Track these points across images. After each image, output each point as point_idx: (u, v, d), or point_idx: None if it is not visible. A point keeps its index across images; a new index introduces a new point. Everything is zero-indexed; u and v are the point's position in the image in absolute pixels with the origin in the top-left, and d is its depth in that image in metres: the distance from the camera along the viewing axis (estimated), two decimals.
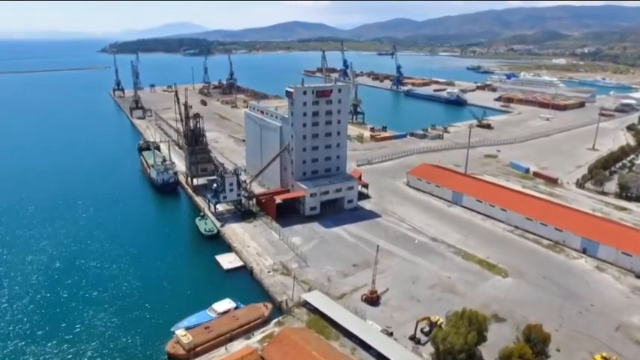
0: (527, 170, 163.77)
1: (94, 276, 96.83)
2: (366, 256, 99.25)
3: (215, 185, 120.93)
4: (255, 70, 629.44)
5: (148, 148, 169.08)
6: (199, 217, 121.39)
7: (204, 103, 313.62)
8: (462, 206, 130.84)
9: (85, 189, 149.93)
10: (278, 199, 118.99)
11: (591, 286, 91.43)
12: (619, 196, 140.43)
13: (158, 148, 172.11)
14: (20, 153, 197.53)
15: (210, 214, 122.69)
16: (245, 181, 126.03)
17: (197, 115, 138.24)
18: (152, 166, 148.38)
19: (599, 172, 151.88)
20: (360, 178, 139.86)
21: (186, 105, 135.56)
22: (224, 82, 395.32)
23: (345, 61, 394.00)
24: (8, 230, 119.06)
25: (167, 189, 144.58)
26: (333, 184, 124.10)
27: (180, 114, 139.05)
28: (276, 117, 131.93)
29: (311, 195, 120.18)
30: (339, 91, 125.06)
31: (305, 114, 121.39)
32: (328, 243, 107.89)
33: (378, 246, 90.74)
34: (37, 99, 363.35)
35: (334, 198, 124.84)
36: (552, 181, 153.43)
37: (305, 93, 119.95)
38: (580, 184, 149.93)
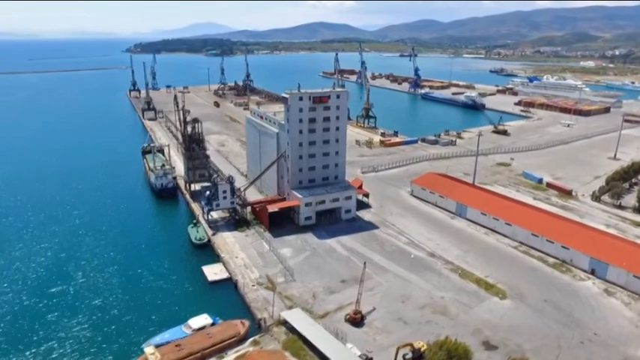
0: (540, 180, 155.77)
1: (78, 285, 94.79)
2: (356, 272, 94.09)
3: (208, 193, 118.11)
4: (274, 71, 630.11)
5: (154, 151, 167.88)
6: (192, 225, 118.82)
7: (217, 104, 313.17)
8: (466, 219, 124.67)
9: (86, 192, 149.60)
10: (271, 208, 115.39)
11: (597, 313, 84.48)
12: (637, 210, 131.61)
13: (161, 151, 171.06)
14: (29, 153, 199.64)
15: (203, 222, 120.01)
16: (239, 189, 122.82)
17: (195, 120, 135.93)
18: (151, 170, 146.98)
19: (617, 184, 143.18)
20: (360, 186, 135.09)
21: (183, 109, 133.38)
22: (240, 84, 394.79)
23: (362, 63, 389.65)
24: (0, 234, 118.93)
25: (165, 194, 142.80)
26: (329, 193, 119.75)
27: (179, 118, 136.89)
28: (274, 123, 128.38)
29: (306, 204, 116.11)
30: (338, 97, 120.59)
31: (301, 120, 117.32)
32: (319, 256, 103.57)
33: (364, 263, 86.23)
34: (55, 99, 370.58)
35: (331, 208, 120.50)
36: (566, 193, 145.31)
37: (301, 99, 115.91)
38: (596, 197, 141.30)
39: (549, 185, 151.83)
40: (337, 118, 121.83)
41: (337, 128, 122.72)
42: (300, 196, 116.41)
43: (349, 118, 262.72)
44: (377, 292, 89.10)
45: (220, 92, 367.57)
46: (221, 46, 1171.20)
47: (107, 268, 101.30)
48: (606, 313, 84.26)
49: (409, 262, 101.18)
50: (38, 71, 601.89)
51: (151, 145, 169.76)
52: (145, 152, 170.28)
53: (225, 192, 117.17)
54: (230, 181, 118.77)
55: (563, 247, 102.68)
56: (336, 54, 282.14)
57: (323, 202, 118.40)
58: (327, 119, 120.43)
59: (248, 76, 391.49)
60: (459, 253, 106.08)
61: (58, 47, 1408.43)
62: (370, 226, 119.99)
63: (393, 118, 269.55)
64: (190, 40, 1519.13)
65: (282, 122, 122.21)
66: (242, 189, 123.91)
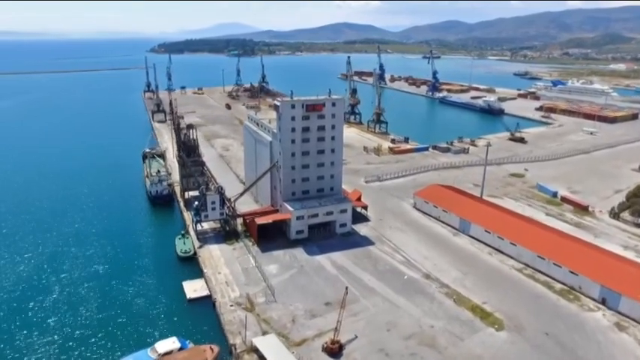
0: (554, 194, 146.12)
1: (53, 301, 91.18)
2: (342, 293, 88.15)
3: (197, 203, 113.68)
4: (292, 73, 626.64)
5: (151, 156, 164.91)
6: (180, 236, 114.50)
7: (228, 107, 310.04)
8: (470, 236, 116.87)
9: (82, 198, 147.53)
10: (259, 221, 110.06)
11: (604, 351, 76.05)
12: None
13: (162, 156, 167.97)
14: (35, 156, 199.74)
15: (192, 233, 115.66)
16: (230, 199, 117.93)
17: (190, 126, 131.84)
18: (147, 176, 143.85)
19: (638, 200, 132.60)
20: (359, 198, 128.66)
21: (177, 114, 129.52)
22: (255, 85, 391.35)
23: (380, 65, 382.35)
24: None
25: (160, 201, 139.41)
26: (323, 206, 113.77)
27: (173, 124, 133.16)
28: (268, 131, 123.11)
29: (297, 217, 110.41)
30: (333, 104, 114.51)
31: (294, 129, 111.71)
32: (306, 274, 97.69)
33: (346, 288, 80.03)
34: (71, 99, 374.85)
35: (325, 221, 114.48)
36: (582, 209, 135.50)
37: (293, 107, 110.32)
38: (614, 214, 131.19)
39: (564, 199, 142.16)
40: (333, 127, 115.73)
41: (333, 138, 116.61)
42: (291, 208, 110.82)
43: (360, 123, 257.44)
44: (361, 318, 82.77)
45: (234, 94, 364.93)
46: (243, 46, 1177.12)
47: (87, 283, 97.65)
48: (615, 352, 75.79)
49: (401, 284, 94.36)
50: (59, 71, 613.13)
51: (146, 150, 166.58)
52: (145, 156, 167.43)
53: (214, 203, 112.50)
54: (220, 191, 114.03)
55: (571, 272, 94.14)
56: (349, 57, 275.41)
57: (316, 215, 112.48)
58: (321, 128, 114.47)
59: (263, 77, 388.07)
60: (458, 275, 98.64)
61: (86, 47, 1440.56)
62: (365, 241, 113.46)
63: (407, 123, 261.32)
64: (213, 40, 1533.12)
65: (276, 131, 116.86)
66: (233, 199, 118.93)
